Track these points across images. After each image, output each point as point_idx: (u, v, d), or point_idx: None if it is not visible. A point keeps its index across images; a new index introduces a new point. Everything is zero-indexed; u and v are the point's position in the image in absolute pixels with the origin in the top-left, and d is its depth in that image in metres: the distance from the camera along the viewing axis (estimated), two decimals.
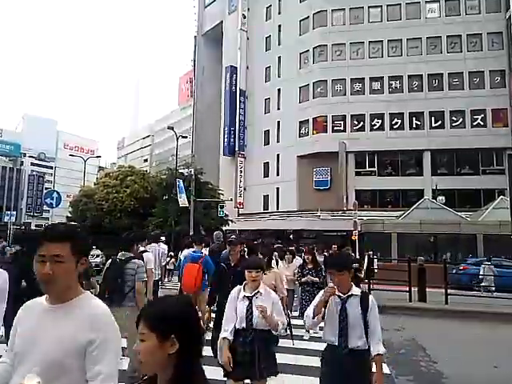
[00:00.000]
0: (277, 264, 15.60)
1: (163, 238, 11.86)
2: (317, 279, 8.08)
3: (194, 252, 7.90)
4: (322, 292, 3.33)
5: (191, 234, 23.04)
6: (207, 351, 4.84)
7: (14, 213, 72.50)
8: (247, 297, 3.71)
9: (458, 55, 37.26)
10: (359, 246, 22.10)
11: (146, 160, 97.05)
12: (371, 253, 17.19)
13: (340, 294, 3.25)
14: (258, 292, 3.72)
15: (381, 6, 39.69)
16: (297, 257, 10.23)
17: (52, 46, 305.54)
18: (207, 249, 8.93)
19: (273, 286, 5.20)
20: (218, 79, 53.16)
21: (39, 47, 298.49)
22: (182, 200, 25.30)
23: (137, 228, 26.54)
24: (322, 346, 3.55)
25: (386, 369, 6.23)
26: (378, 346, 3.21)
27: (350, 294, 3.25)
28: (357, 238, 22.89)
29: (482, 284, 16.68)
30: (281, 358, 4.37)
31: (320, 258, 11.91)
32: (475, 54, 36.82)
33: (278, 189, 42.37)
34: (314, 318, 3.32)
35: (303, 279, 8.33)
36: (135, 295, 5.22)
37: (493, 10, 37.30)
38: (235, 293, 3.80)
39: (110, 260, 5.64)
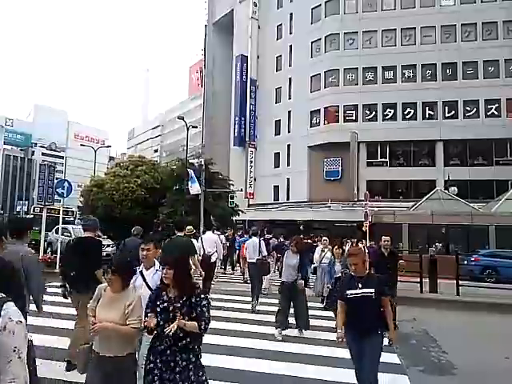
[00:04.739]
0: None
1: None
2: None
3: (245, 237, 15.52)
4: None
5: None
6: None
7: (26, 202, 73.64)
8: None
9: (472, 44, 36.57)
10: (370, 237, 21.97)
11: (156, 150, 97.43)
12: (355, 240, 16.60)
13: None
14: None
15: None
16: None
17: (62, 35, 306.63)
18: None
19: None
20: (229, 68, 52.95)
21: (50, 37, 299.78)
22: (195, 189, 25.28)
23: (148, 218, 26.68)
24: None
25: (396, 359, 6.21)
26: None
27: None
28: (368, 228, 22.74)
29: None
30: None
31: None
32: (490, 43, 36.12)
33: (288, 179, 42.26)
34: None
35: None
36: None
37: None
38: None
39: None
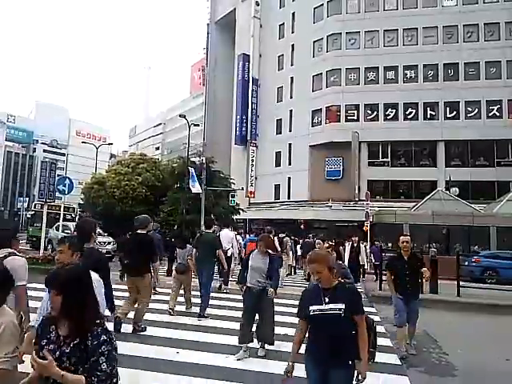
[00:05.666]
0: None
1: None
2: None
3: (251, 236, 17.00)
4: None
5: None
6: None
7: (27, 199, 73.79)
8: None
9: (474, 44, 36.44)
10: (371, 237, 22.00)
11: (157, 148, 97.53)
12: (356, 238, 15.73)
13: None
14: None
15: None
16: None
17: (65, 33, 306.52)
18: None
19: None
20: (231, 67, 52.87)
21: (52, 35, 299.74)
22: (196, 188, 25.29)
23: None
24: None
25: (396, 360, 6.21)
26: None
27: None
28: (368, 228, 22.79)
29: None
30: None
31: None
32: (492, 44, 36.00)
33: (289, 178, 42.21)
34: None
35: None
36: None
37: None
38: None
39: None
